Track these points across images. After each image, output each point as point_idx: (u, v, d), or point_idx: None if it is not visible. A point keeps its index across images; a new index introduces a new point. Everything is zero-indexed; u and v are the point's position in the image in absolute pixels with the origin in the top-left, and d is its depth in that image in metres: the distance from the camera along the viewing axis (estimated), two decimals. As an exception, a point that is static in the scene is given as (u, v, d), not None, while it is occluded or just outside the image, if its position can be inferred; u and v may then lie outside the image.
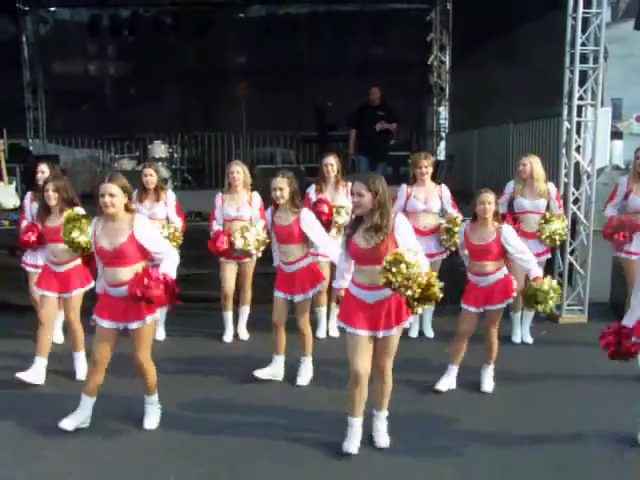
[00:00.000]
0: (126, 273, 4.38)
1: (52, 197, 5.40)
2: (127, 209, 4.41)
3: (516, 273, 5.55)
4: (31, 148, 14.28)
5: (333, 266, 5.44)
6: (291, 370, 5.64)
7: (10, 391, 5.36)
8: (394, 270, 3.87)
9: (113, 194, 4.31)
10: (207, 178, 13.43)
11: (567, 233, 6.84)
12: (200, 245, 6.59)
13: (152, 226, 4.85)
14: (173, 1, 13.94)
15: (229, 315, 6.79)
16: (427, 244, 6.49)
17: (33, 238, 5.70)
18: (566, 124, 7.35)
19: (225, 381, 5.67)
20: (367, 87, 10.60)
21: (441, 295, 4.02)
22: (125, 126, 13.60)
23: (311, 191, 6.74)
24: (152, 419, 4.78)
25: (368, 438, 4.45)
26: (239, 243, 6.02)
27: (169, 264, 4.43)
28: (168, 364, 5.62)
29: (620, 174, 12.39)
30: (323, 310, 6.79)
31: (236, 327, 6.87)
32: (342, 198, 6.62)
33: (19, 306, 7.16)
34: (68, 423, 4.59)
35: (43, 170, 6.57)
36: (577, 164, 7.39)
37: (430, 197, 6.56)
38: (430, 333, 6.90)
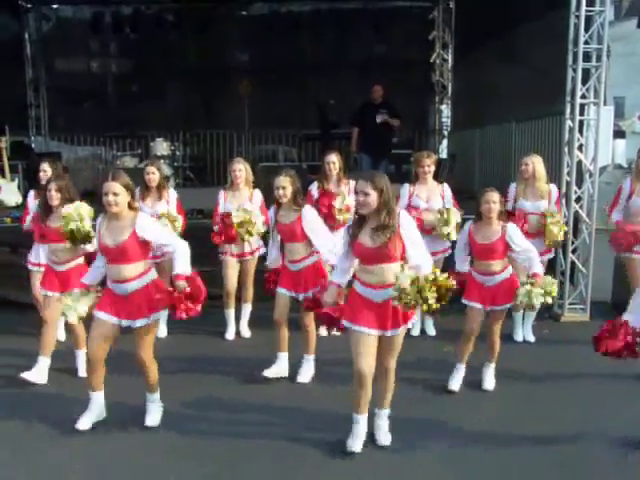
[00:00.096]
0: (129, 270, 4.41)
1: (55, 197, 5.40)
2: (130, 207, 4.42)
3: (517, 271, 5.54)
4: (33, 145, 14.31)
5: None
6: (294, 369, 5.64)
7: (12, 389, 5.38)
8: (403, 294, 3.90)
9: (117, 193, 4.32)
10: (209, 176, 13.44)
11: (565, 235, 6.81)
12: (202, 243, 6.58)
13: (155, 221, 4.86)
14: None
15: (231, 313, 6.80)
16: (429, 242, 6.49)
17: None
18: (568, 122, 7.34)
19: (227, 379, 5.67)
20: (369, 85, 10.60)
21: (453, 282, 4.04)
22: (127, 124, 13.61)
23: (313, 188, 6.75)
24: (154, 417, 4.79)
25: (369, 436, 4.45)
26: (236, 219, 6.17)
27: (181, 261, 4.44)
28: (170, 362, 5.62)
29: (623, 173, 12.38)
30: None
31: (238, 325, 6.87)
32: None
33: (20, 304, 7.18)
34: (83, 422, 4.61)
35: (45, 169, 6.57)
36: (579, 163, 7.38)
37: (432, 196, 6.56)
38: (432, 331, 6.91)
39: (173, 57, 13.93)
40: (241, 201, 6.53)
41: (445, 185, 6.72)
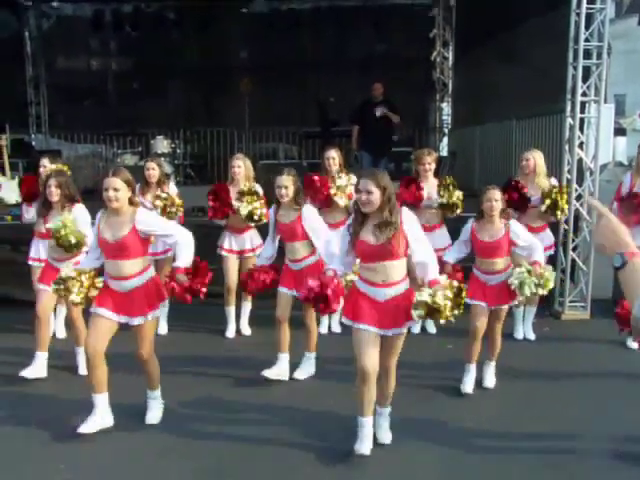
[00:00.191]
0: (129, 266, 4.40)
1: (54, 193, 5.39)
2: (131, 203, 4.41)
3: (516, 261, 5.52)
4: (34, 143, 14.32)
5: None
6: (295, 367, 5.61)
7: (12, 387, 5.37)
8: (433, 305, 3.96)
9: (117, 188, 4.30)
10: (210, 173, 13.43)
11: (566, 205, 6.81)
12: (202, 241, 6.57)
13: (154, 214, 4.86)
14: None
15: (231, 310, 6.80)
16: (430, 240, 6.48)
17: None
18: (569, 120, 7.34)
19: (227, 378, 5.64)
20: (370, 83, 10.59)
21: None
22: (128, 121, 13.61)
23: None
24: (155, 414, 4.79)
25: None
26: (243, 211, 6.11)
27: (184, 253, 4.43)
28: (170, 360, 5.59)
29: (623, 170, 12.38)
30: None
31: (238, 322, 6.87)
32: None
33: (21, 301, 7.17)
34: (86, 427, 4.47)
35: (45, 164, 6.58)
36: (580, 160, 7.38)
37: (432, 193, 6.56)
38: (432, 329, 6.90)
39: (174, 55, 13.93)
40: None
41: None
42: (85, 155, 14.10)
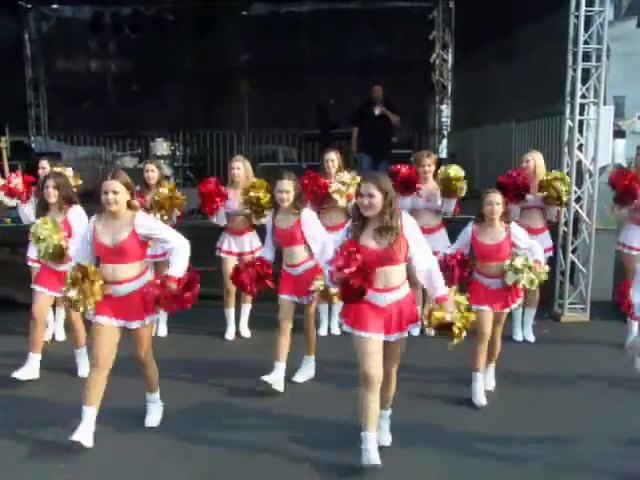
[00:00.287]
0: (126, 270, 4.34)
1: (52, 194, 5.36)
2: (129, 206, 4.37)
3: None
4: (33, 145, 14.32)
5: None
6: (294, 370, 5.60)
7: (11, 390, 5.36)
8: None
9: (116, 191, 4.26)
10: (209, 176, 13.38)
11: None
12: (201, 243, 6.57)
13: (154, 218, 4.83)
14: (175, 0, 13.95)
15: (231, 312, 6.80)
16: (429, 242, 6.47)
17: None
18: (568, 122, 7.34)
19: (226, 381, 5.63)
20: (369, 85, 10.59)
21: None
22: (127, 124, 13.62)
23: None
24: (154, 416, 4.78)
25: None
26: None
27: (178, 261, 4.40)
28: (170, 362, 5.59)
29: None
30: (325, 308, 6.79)
31: (238, 324, 6.87)
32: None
33: (22, 303, 7.16)
34: (84, 438, 4.33)
35: (44, 166, 6.58)
36: (579, 162, 7.39)
37: (432, 195, 6.56)
38: (432, 331, 6.88)
39: (173, 57, 13.94)
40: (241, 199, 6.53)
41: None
42: (85, 157, 14.11)
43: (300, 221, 5.25)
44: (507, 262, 5.03)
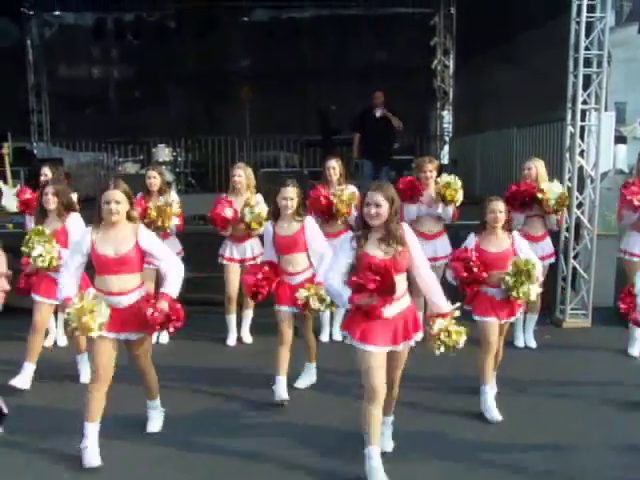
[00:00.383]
0: (126, 281, 4.29)
1: (51, 201, 5.37)
2: (129, 217, 4.33)
3: None
4: (35, 152, 14.34)
5: None
6: (294, 377, 5.57)
7: (13, 397, 5.33)
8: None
9: (118, 201, 4.22)
10: (211, 182, 13.44)
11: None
12: (203, 248, 6.61)
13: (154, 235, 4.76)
14: (177, 7, 14.00)
15: (232, 318, 6.79)
16: (431, 248, 6.50)
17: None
18: (570, 128, 7.35)
19: (227, 388, 5.61)
20: (370, 91, 10.60)
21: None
22: (129, 130, 13.64)
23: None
24: (156, 423, 4.77)
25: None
26: (248, 217, 6.10)
27: (174, 282, 4.36)
28: (171, 369, 5.60)
29: (624, 178, 12.35)
30: (326, 314, 6.79)
31: (239, 330, 6.87)
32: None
33: (23, 309, 7.15)
34: (94, 458, 4.28)
35: (46, 173, 6.59)
36: (581, 168, 7.39)
37: (434, 201, 6.56)
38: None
39: (175, 63, 13.97)
40: (242, 206, 6.52)
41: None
42: (87, 163, 14.14)
43: (304, 228, 5.23)
44: (504, 275, 4.97)
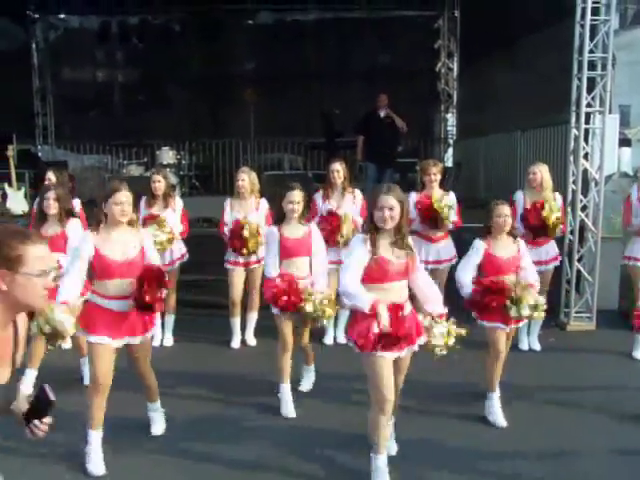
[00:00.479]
0: (129, 285, 4.24)
1: (52, 206, 5.35)
2: (129, 222, 4.31)
3: None
4: (40, 154, 14.39)
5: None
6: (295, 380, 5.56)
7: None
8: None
9: (130, 203, 4.22)
10: (215, 184, 13.48)
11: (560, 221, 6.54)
12: (207, 251, 6.61)
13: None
14: (182, 10, 14.04)
15: (237, 321, 6.80)
16: (435, 251, 6.50)
17: None
18: (574, 131, 7.34)
19: (231, 392, 5.59)
20: (374, 94, 10.63)
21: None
22: (133, 132, 13.69)
23: (317, 197, 6.75)
24: (159, 426, 4.77)
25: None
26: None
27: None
28: (175, 372, 5.59)
29: (629, 181, 12.35)
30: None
31: (244, 333, 6.87)
32: (348, 204, 6.63)
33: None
34: (99, 467, 4.26)
35: (50, 177, 6.60)
36: (585, 171, 7.38)
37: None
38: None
39: (179, 66, 14.02)
40: (247, 210, 6.54)
41: (451, 194, 6.72)
42: (91, 166, 14.17)
43: (310, 232, 5.17)
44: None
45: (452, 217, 6.39)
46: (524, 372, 5.91)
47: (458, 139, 14.61)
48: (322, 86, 14.15)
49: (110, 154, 14.40)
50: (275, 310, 5.09)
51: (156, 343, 6.61)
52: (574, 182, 7.35)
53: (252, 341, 6.88)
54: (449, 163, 14.18)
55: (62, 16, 14.64)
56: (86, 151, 14.63)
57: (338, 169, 6.63)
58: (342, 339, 6.69)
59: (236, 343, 6.80)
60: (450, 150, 14.94)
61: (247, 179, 6.57)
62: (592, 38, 7.05)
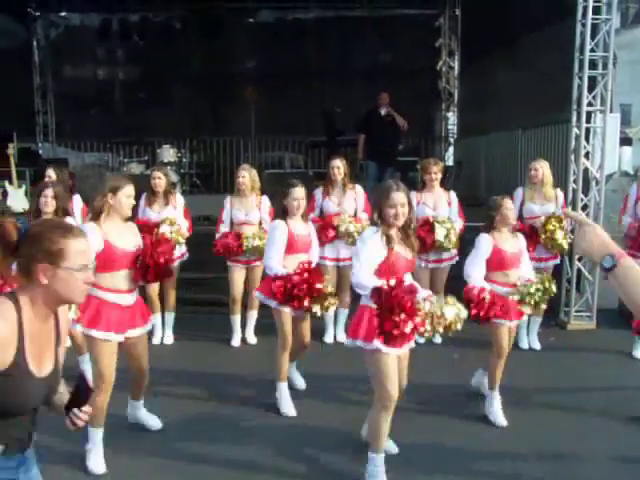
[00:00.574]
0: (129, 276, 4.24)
1: (50, 203, 5.32)
2: None
3: None
4: (41, 152, 14.39)
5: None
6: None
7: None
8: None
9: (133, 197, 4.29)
10: (215, 182, 13.47)
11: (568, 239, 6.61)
12: (208, 249, 6.61)
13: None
14: (183, 7, 14.04)
15: (237, 319, 6.80)
16: (437, 250, 6.50)
17: None
18: (575, 130, 7.34)
19: (231, 390, 5.60)
20: (375, 92, 10.62)
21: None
22: (134, 130, 13.67)
23: (317, 193, 6.75)
24: (154, 419, 4.75)
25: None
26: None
27: None
28: (175, 370, 5.59)
29: (629, 180, 12.36)
30: (330, 315, 6.78)
31: (244, 331, 6.87)
32: (350, 201, 6.64)
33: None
34: (99, 465, 4.26)
35: (50, 175, 6.59)
36: (586, 170, 7.37)
37: (439, 203, 6.56)
38: (438, 339, 6.87)
39: (180, 64, 14.01)
40: (248, 208, 6.55)
41: (452, 192, 6.72)
42: (91, 164, 14.15)
43: (311, 230, 5.27)
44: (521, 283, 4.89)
45: (452, 245, 6.36)
46: (524, 372, 5.89)
47: (459, 138, 14.60)
48: (323, 84, 14.14)
49: (111, 152, 14.39)
50: (274, 304, 4.98)
51: (156, 341, 6.63)
52: (575, 181, 7.35)
53: (252, 339, 6.89)
54: (450, 162, 14.17)
55: (63, 14, 14.63)
56: (87, 149, 14.64)
57: (338, 165, 6.63)
58: (342, 337, 6.70)
59: (236, 341, 6.80)
60: (451, 149, 14.93)
61: (248, 176, 6.57)
62: (593, 37, 7.05)
